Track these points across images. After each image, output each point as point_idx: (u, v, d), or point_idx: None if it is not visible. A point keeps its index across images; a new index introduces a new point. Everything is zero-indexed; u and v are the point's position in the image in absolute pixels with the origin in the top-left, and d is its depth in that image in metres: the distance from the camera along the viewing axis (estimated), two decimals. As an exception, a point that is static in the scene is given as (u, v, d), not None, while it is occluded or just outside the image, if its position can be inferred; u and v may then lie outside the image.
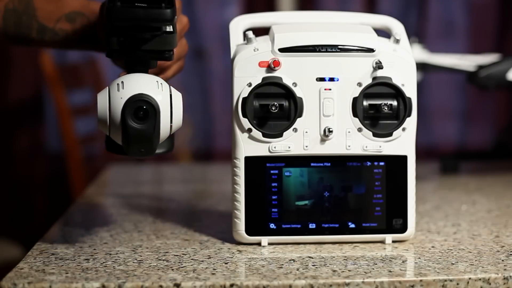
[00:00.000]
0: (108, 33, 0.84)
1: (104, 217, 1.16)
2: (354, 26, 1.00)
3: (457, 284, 0.81)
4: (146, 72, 0.87)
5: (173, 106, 0.84)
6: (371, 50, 0.94)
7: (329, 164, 0.95)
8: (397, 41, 0.95)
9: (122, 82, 0.83)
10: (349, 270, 0.84)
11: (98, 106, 0.83)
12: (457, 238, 1.00)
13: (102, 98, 0.83)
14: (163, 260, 0.89)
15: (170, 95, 0.84)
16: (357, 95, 0.94)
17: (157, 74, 0.93)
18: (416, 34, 2.25)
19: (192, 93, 2.53)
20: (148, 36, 0.84)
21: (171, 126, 0.84)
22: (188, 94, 2.52)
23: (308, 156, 0.95)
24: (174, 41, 0.86)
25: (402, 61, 0.95)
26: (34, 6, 1.03)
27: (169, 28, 0.85)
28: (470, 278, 0.81)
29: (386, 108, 0.93)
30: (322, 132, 0.94)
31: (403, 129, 0.95)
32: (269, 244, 0.95)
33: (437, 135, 2.53)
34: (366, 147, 0.95)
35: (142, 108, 0.81)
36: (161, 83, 0.84)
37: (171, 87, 0.85)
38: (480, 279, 0.81)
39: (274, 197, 0.95)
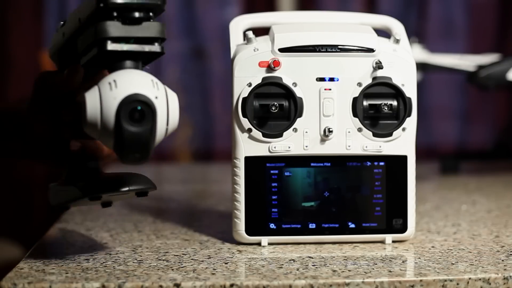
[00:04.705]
0: (102, 19, 0.77)
1: (104, 217, 1.16)
2: (354, 26, 1.00)
3: (457, 284, 0.81)
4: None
5: (169, 106, 0.76)
6: (371, 50, 0.94)
7: (329, 164, 0.95)
8: (397, 41, 0.95)
9: (115, 80, 0.74)
10: (349, 270, 0.84)
11: (87, 107, 0.74)
12: (457, 238, 1.00)
13: (92, 99, 0.74)
14: (163, 260, 0.89)
15: (166, 95, 0.76)
16: (357, 95, 0.94)
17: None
18: (416, 34, 2.25)
19: (192, 93, 2.52)
20: (141, 17, 0.77)
21: (167, 128, 0.77)
22: (188, 94, 2.52)
23: (308, 156, 0.95)
24: (164, 31, 0.79)
25: (402, 61, 0.95)
26: None
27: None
28: (470, 278, 0.81)
29: (386, 108, 0.93)
30: (322, 132, 0.94)
31: (403, 129, 0.95)
32: (269, 244, 0.95)
33: (437, 135, 2.52)
34: (366, 147, 0.95)
35: (138, 109, 0.74)
36: (156, 82, 0.76)
37: (166, 86, 0.78)
38: (480, 279, 0.81)
39: (274, 197, 0.95)
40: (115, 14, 0.76)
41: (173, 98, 0.77)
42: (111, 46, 0.76)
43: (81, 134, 0.85)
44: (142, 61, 0.80)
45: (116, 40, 0.76)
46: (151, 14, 0.78)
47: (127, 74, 0.76)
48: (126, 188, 0.86)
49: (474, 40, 2.54)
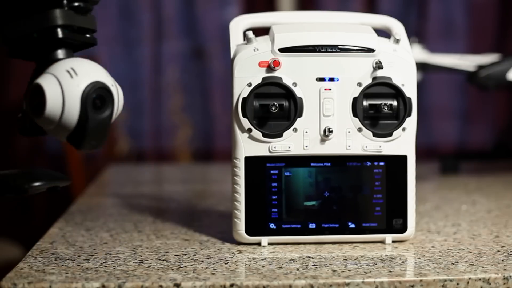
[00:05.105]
0: (49, 7, 0.76)
1: (104, 217, 1.16)
2: (354, 26, 1.00)
3: (457, 284, 0.81)
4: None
5: (119, 94, 0.78)
6: (371, 50, 0.94)
7: (329, 164, 0.95)
8: (397, 41, 0.95)
9: (72, 68, 0.74)
10: (349, 270, 0.84)
11: (47, 96, 0.73)
12: (457, 238, 1.00)
13: (52, 87, 0.73)
14: (163, 260, 0.89)
15: (115, 83, 0.78)
16: (357, 95, 0.94)
17: None
18: (416, 34, 2.25)
19: (192, 93, 2.52)
20: (87, 7, 0.79)
21: (116, 115, 0.78)
22: (188, 94, 2.52)
23: (308, 156, 0.95)
24: (96, 24, 0.81)
25: (402, 61, 0.95)
26: None
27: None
28: (470, 278, 0.81)
29: (386, 108, 0.93)
30: (322, 132, 0.94)
31: (403, 129, 0.95)
32: (269, 244, 0.95)
33: (437, 135, 2.52)
34: (366, 147, 0.95)
35: (99, 96, 0.74)
36: (106, 70, 0.77)
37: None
38: (480, 279, 0.81)
39: (274, 197, 0.95)
40: (65, 2, 0.77)
41: (119, 86, 0.79)
42: (63, 34, 0.76)
43: None
44: (74, 50, 0.80)
45: (67, 28, 0.77)
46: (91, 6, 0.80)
47: (82, 62, 0.76)
48: (53, 184, 0.85)
49: (474, 40, 2.53)
